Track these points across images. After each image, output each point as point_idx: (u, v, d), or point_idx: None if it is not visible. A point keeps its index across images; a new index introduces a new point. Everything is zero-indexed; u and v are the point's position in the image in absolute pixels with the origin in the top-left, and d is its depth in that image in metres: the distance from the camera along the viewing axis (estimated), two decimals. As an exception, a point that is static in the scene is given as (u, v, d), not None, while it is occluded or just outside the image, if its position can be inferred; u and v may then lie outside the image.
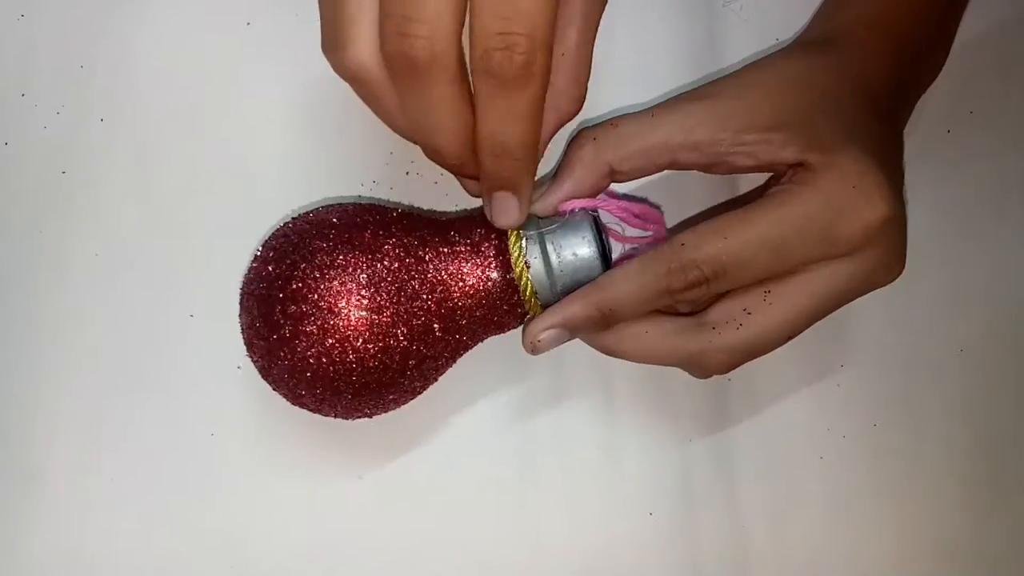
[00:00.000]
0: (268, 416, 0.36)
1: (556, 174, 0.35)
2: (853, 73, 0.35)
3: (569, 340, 0.35)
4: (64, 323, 0.39)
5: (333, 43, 0.30)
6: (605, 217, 0.36)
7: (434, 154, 0.32)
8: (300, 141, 0.40)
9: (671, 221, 0.40)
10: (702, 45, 0.41)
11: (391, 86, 0.29)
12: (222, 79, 0.40)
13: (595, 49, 0.38)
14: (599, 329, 0.35)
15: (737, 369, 0.40)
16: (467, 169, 0.32)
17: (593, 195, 0.35)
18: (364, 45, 0.29)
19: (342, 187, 0.40)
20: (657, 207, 0.38)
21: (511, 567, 0.39)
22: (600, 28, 0.39)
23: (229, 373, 0.36)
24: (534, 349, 0.35)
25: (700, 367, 0.35)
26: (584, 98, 0.32)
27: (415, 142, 0.32)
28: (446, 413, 0.39)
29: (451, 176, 0.35)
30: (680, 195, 0.41)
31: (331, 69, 0.34)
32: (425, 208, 0.40)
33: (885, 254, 0.34)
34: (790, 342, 0.37)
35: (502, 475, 0.40)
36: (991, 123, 0.43)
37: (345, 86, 0.37)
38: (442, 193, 0.40)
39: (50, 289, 0.39)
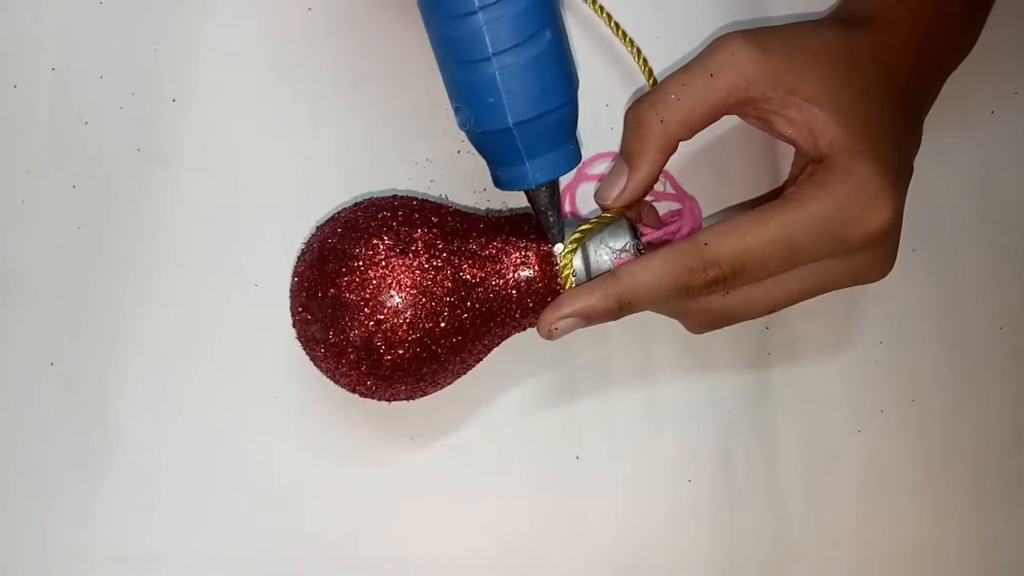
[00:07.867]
0: (326, 380, 0.38)
1: (630, 160, 0.35)
2: (887, 61, 0.36)
3: (583, 327, 0.35)
4: (136, 290, 0.41)
5: None
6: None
7: None
8: (358, 120, 0.42)
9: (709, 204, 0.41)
10: None
11: None
12: (284, 61, 0.42)
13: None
14: (612, 318, 0.35)
15: (777, 343, 0.42)
16: None
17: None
18: None
19: (397, 164, 0.42)
20: (692, 198, 0.39)
21: (553, 530, 0.41)
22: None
23: (290, 339, 0.38)
24: (550, 336, 0.35)
25: (686, 320, 0.38)
26: None
27: None
28: (494, 381, 0.41)
29: None
30: (721, 171, 0.42)
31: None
32: (476, 186, 0.41)
33: (879, 257, 0.35)
34: (831, 317, 0.40)
35: (546, 442, 0.41)
36: (1036, 103, 0.43)
37: (397, 71, 0.41)
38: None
39: (125, 260, 0.41)
